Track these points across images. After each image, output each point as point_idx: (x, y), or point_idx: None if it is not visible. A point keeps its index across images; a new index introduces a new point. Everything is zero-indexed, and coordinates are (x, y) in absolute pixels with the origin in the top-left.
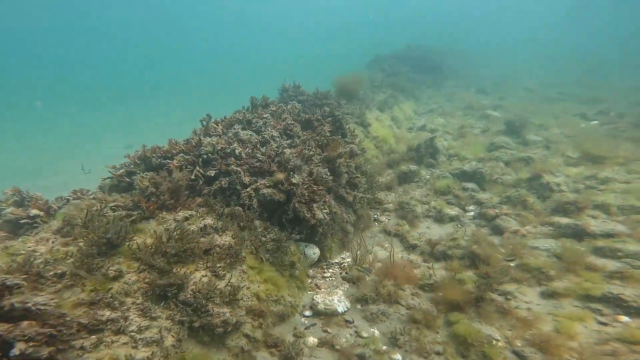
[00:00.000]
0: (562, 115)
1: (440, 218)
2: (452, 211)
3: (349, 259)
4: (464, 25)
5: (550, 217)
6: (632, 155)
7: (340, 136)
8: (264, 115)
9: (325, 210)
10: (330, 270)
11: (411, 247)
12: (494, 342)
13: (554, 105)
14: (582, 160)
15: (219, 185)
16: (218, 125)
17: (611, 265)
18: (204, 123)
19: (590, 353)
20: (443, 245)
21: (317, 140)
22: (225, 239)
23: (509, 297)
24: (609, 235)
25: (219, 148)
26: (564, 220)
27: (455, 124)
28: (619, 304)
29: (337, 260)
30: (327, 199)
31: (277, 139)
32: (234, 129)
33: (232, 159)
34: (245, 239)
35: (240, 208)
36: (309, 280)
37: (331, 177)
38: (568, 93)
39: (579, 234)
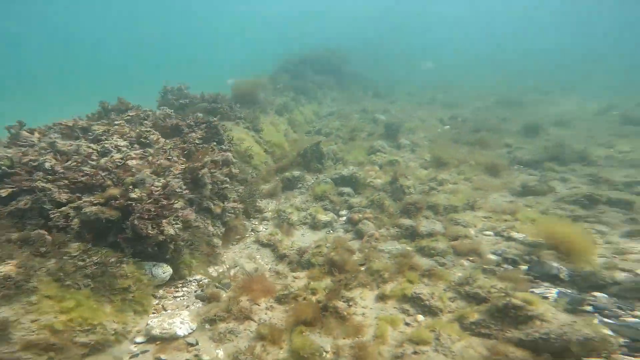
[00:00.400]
0: (429, 120)
1: (315, 225)
2: (326, 217)
3: (214, 275)
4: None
5: (399, 219)
6: (464, 158)
7: (215, 143)
8: (116, 122)
9: (177, 225)
10: (185, 289)
11: (281, 257)
12: (324, 354)
13: (426, 109)
14: (432, 164)
15: (16, 206)
16: (34, 133)
17: (427, 264)
18: (12, 131)
19: (386, 358)
20: (309, 253)
21: (184, 148)
22: (3, 269)
23: (351, 303)
24: (430, 234)
25: (24, 161)
26: (407, 222)
27: (349, 127)
28: (419, 303)
29: (197, 277)
30: (183, 213)
31: (124, 149)
32: (50, 137)
33: (41, 173)
34: (36, 267)
35: (42, 231)
36: (156, 302)
37: (187, 190)
38: (437, 98)
39: (413, 235)
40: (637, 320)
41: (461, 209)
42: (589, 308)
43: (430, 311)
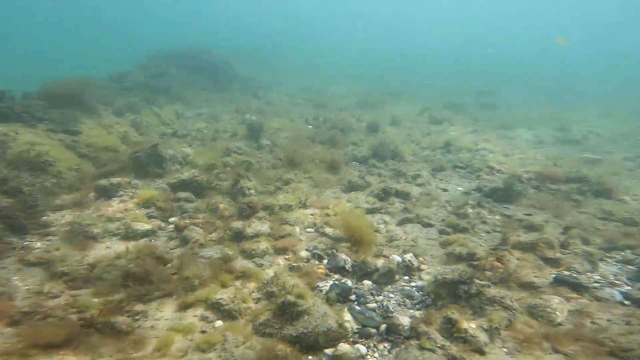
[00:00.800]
0: (298, 120)
1: (129, 235)
2: (147, 225)
3: None
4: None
5: (232, 222)
6: (312, 157)
7: None
8: None
9: None
10: None
11: (57, 275)
12: None
13: (299, 108)
14: (285, 163)
15: None
16: None
17: (244, 266)
18: None
19: None
20: (101, 267)
21: None
22: None
23: (139, 316)
24: (256, 235)
25: None
26: (238, 224)
27: (213, 129)
28: (220, 308)
29: None
30: None
31: None
32: None
33: None
34: None
35: None
36: None
37: None
38: (312, 98)
39: (240, 237)
40: (374, 305)
41: (295, 207)
42: (353, 297)
43: (230, 315)
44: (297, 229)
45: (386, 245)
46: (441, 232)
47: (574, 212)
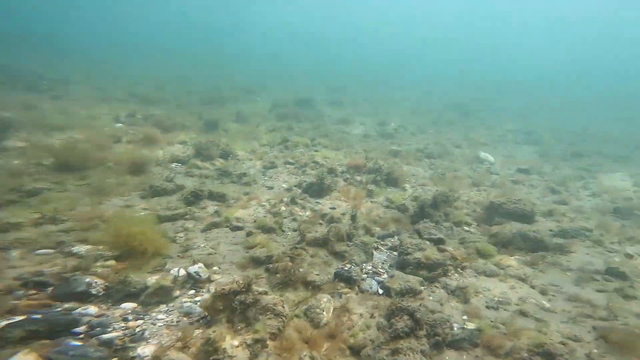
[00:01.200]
0: (104, 117)
1: None
2: None
3: None
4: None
5: None
6: (105, 159)
7: None
8: None
9: None
10: None
11: None
12: None
13: (113, 104)
14: (52, 168)
15: None
16: None
17: None
18: None
19: None
20: None
21: None
22: None
23: None
24: None
25: None
26: None
27: None
28: None
29: None
30: None
31: None
32: None
33: None
34: None
35: None
36: None
37: None
38: (137, 93)
39: None
40: (115, 334)
41: (31, 225)
42: (81, 328)
43: None
44: (17, 252)
45: (178, 256)
46: (248, 234)
47: (368, 201)
